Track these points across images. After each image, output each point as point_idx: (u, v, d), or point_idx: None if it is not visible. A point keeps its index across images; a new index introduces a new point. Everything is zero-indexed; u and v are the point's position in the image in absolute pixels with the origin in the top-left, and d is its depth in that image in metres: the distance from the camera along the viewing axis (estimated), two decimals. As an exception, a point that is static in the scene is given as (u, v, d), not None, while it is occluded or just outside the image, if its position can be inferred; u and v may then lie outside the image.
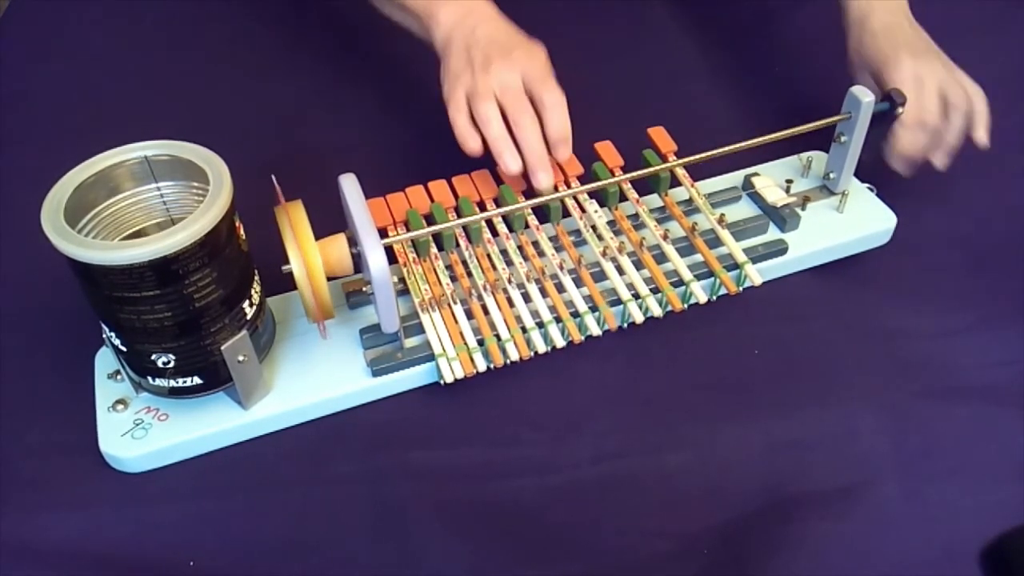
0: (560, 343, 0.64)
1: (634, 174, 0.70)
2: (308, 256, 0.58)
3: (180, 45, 1.00)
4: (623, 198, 0.72)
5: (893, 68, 0.71)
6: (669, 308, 0.67)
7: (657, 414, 0.64)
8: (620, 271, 0.67)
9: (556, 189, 0.70)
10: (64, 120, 0.90)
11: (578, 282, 0.67)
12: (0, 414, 0.64)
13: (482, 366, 0.63)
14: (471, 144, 0.68)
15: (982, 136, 0.73)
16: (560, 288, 0.66)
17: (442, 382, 0.63)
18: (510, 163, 0.67)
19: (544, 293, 0.66)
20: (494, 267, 0.67)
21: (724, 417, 0.64)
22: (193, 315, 0.55)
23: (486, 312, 0.65)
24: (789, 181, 0.75)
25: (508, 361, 0.64)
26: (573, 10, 1.02)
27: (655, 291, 0.67)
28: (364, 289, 0.68)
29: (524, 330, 0.64)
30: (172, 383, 0.59)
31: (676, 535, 0.58)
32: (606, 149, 0.73)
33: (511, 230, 0.69)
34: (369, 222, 0.60)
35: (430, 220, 0.68)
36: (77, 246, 0.51)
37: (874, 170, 0.75)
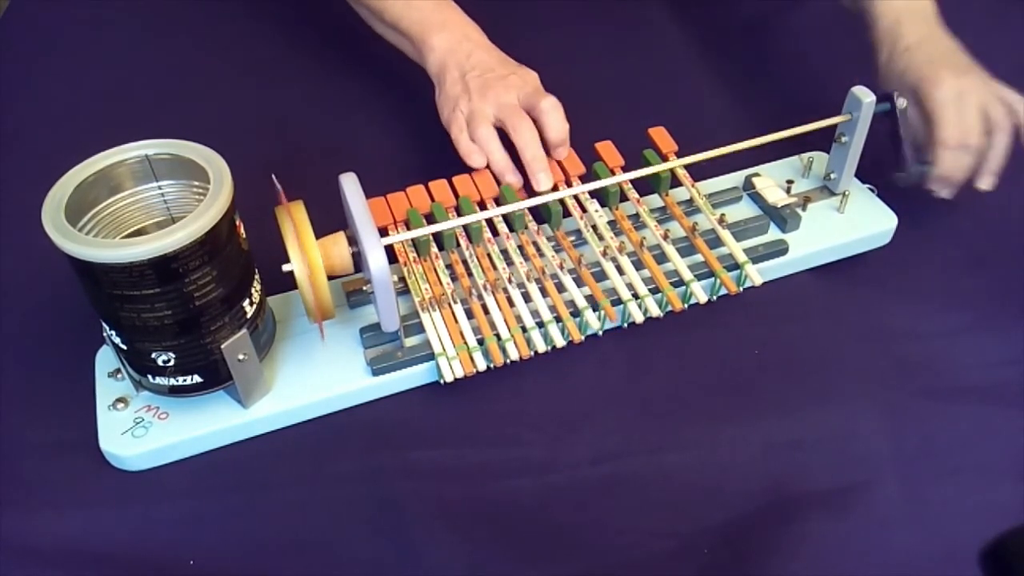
0: (560, 343, 0.64)
1: (634, 173, 0.70)
2: (309, 257, 0.58)
3: (181, 45, 1.00)
4: (623, 198, 0.72)
5: (932, 86, 0.69)
6: (669, 308, 0.67)
7: (657, 414, 0.64)
8: (620, 271, 0.67)
9: (556, 188, 0.70)
10: (64, 120, 0.90)
11: (578, 282, 0.67)
12: (0, 412, 0.64)
13: (482, 365, 0.63)
14: (476, 159, 0.71)
15: None
16: (560, 288, 0.66)
17: (442, 381, 0.63)
18: (512, 182, 0.70)
19: (544, 293, 0.66)
20: (494, 266, 0.67)
21: (724, 417, 0.64)
22: (193, 313, 0.55)
23: (486, 311, 0.65)
24: (790, 181, 0.75)
25: (508, 360, 0.64)
26: (573, 10, 1.02)
27: (655, 291, 0.67)
28: (364, 288, 0.68)
29: (524, 329, 0.64)
30: (172, 381, 0.59)
31: (676, 535, 0.58)
32: (606, 149, 0.73)
33: (511, 230, 0.69)
34: (369, 221, 0.60)
35: (430, 219, 0.68)
36: (78, 244, 0.51)
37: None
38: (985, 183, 0.71)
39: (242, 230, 0.58)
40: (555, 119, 0.70)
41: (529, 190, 0.71)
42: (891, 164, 0.78)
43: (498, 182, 0.71)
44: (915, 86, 0.70)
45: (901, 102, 0.71)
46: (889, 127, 0.72)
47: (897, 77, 0.72)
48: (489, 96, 0.72)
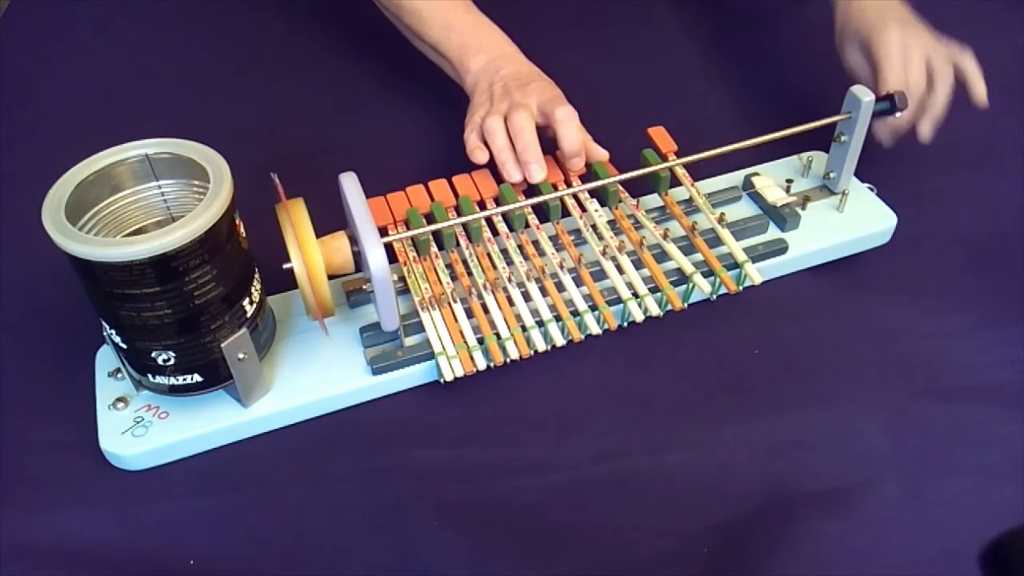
0: (560, 342, 0.64)
1: (634, 173, 0.70)
2: (309, 254, 0.58)
3: (181, 44, 1.00)
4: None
5: (880, 36, 0.73)
6: (669, 307, 0.67)
7: (657, 414, 0.64)
8: (620, 270, 0.67)
9: (556, 188, 0.70)
10: (64, 120, 0.90)
11: (578, 281, 0.67)
12: (1, 412, 0.64)
13: (482, 364, 0.63)
14: (479, 156, 0.72)
15: (980, 94, 0.74)
16: (560, 287, 0.66)
17: (442, 381, 0.63)
18: (512, 173, 0.70)
19: (544, 292, 0.66)
20: (494, 266, 0.67)
21: (724, 417, 0.64)
22: (193, 312, 0.55)
23: (486, 311, 0.65)
24: (789, 181, 0.75)
25: (508, 360, 0.64)
26: (574, 9, 1.02)
27: (654, 290, 0.67)
28: (364, 287, 0.68)
29: (524, 329, 0.64)
30: (172, 381, 0.59)
31: (676, 535, 0.58)
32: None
33: (511, 229, 0.69)
34: (369, 221, 0.60)
35: (430, 219, 0.68)
36: (78, 243, 0.51)
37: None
38: (925, 132, 0.74)
39: (242, 229, 0.58)
40: (569, 129, 0.70)
41: (528, 184, 0.71)
42: (892, 164, 0.78)
43: (497, 180, 0.71)
44: (865, 37, 0.74)
45: None
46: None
47: (850, 34, 0.76)
48: (505, 100, 0.73)
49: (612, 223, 0.71)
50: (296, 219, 0.59)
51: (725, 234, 0.70)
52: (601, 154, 0.73)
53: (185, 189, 0.59)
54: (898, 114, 0.72)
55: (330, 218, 0.63)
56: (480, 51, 0.78)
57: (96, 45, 1.00)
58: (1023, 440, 0.62)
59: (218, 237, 0.54)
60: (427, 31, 0.80)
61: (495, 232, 0.69)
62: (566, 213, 0.70)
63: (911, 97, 0.72)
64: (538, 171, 0.69)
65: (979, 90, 0.74)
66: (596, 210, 0.70)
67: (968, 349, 0.67)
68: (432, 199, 0.70)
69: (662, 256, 0.69)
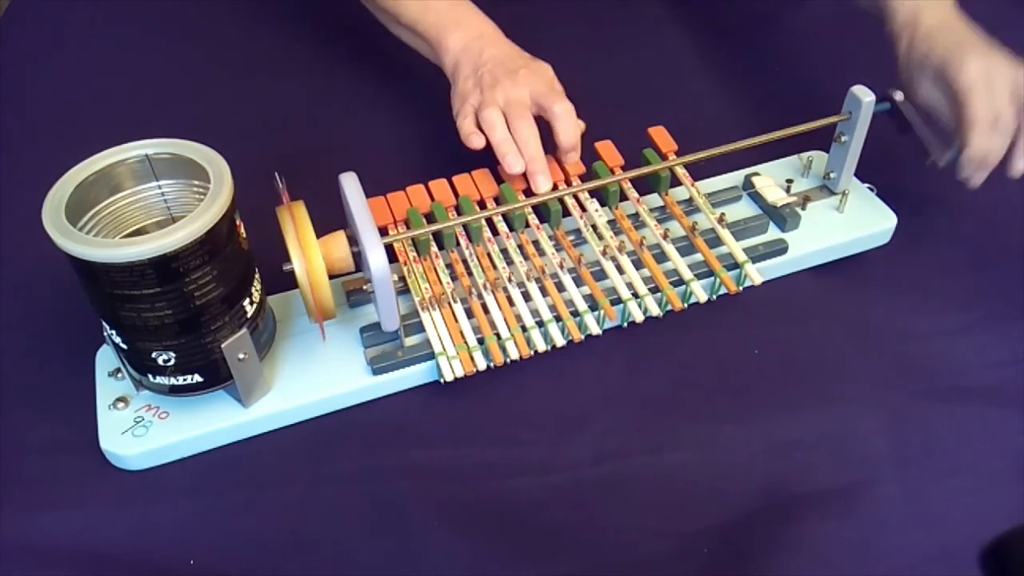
0: (560, 342, 0.64)
1: (634, 172, 0.70)
2: (310, 258, 0.58)
3: (180, 44, 1.00)
4: (623, 197, 0.72)
5: (959, 67, 0.66)
6: (669, 308, 0.67)
7: (657, 414, 0.64)
8: (620, 270, 0.67)
9: (556, 188, 0.70)
10: (64, 120, 0.90)
11: (578, 281, 0.67)
12: (1, 412, 0.64)
13: (482, 365, 0.63)
14: (475, 141, 0.71)
15: None
16: (560, 287, 0.66)
17: (442, 381, 0.63)
18: (513, 164, 0.69)
19: (544, 292, 0.66)
20: (494, 266, 0.67)
21: (724, 417, 0.64)
22: (193, 313, 0.55)
23: (486, 311, 0.65)
24: (789, 181, 0.75)
25: (508, 360, 0.64)
26: (573, 9, 1.02)
27: (654, 290, 0.67)
28: (364, 288, 0.68)
29: (524, 329, 0.64)
30: (172, 381, 0.59)
31: (676, 535, 0.58)
32: (606, 148, 0.73)
33: (511, 229, 0.69)
34: (369, 221, 0.60)
35: (430, 219, 0.68)
36: (78, 244, 0.51)
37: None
38: (1017, 166, 0.68)
39: (242, 229, 0.58)
40: (566, 124, 0.70)
41: (528, 185, 0.71)
42: (892, 164, 0.78)
43: (498, 180, 0.71)
44: (940, 68, 0.67)
45: (898, 95, 0.71)
46: (896, 125, 0.72)
47: (919, 63, 0.69)
48: (497, 89, 0.72)
49: (612, 223, 0.71)
50: (297, 222, 0.59)
51: (725, 234, 0.70)
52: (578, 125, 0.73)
53: (185, 189, 0.59)
54: (898, 95, 0.70)
55: (330, 218, 0.63)
56: (457, 28, 0.76)
57: (96, 45, 1.00)
58: (1023, 440, 0.62)
59: (218, 238, 0.54)
60: (403, 12, 0.79)
61: (495, 232, 0.69)
62: (566, 213, 0.70)
63: (999, 131, 0.66)
64: (544, 182, 0.69)
65: None
66: (596, 210, 0.70)
67: (968, 349, 0.68)
68: (432, 199, 0.70)
69: (662, 256, 0.69)
